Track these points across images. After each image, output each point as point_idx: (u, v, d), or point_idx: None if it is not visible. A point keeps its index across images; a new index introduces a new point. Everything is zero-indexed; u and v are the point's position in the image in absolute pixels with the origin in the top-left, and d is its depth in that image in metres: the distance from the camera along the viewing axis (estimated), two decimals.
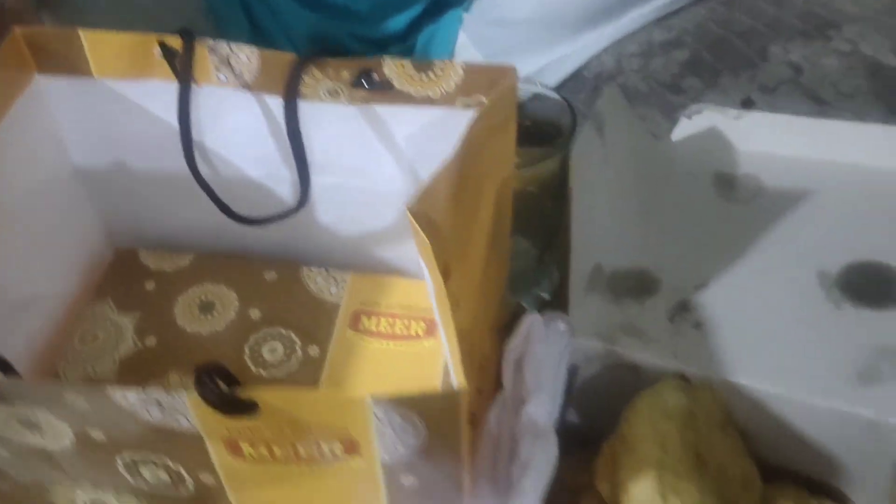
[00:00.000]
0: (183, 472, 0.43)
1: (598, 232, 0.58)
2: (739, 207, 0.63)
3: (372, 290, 0.61)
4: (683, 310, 0.55)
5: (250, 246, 0.63)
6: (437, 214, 0.41)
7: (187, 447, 0.41)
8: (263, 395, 0.38)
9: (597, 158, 0.59)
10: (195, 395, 0.37)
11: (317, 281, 0.62)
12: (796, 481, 0.52)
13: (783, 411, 0.50)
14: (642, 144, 0.66)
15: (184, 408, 0.38)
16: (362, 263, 0.63)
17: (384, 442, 0.40)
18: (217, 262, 0.63)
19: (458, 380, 0.39)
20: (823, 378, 0.50)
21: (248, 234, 0.61)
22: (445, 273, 0.42)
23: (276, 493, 0.43)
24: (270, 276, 0.62)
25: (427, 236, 0.37)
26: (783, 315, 0.54)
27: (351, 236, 0.62)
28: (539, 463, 0.47)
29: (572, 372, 0.54)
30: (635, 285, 0.57)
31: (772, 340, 0.52)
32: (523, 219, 0.68)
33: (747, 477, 0.49)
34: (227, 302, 0.61)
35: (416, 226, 0.37)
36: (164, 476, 0.43)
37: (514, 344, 0.52)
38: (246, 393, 0.38)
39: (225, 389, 0.37)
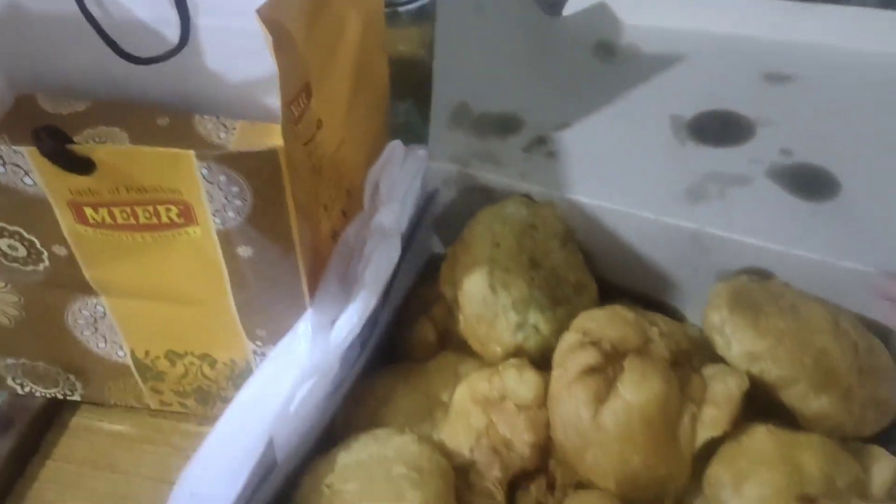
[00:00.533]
0: (37, 242, 0.46)
1: (466, 73, 0.61)
2: (614, 68, 0.66)
3: (260, 135, 0.64)
4: (540, 143, 0.58)
5: (147, 94, 0.66)
6: (290, 23, 0.44)
7: (36, 213, 0.44)
8: (98, 152, 0.41)
9: (468, 4, 0.62)
10: (34, 150, 0.41)
11: (206, 126, 0.65)
12: (634, 300, 0.56)
13: (619, 226, 0.54)
14: (527, 9, 0.69)
15: (25, 163, 0.41)
16: (253, 113, 0.66)
17: (215, 206, 0.43)
18: (112, 108, 0.66)
19: (279, 141, 0.42)
20: (656, 196, 0.53)
21: (145, 83, 0.64)
22: (307, 90, 0.46)
23: (125, 268, 0.47)
24: (163, 121, 0.65)
25: (273, 35, 0.40)
26: (630, 148, 0.57)
27: (240, 83, 0.65)
28: (381, 258, 0.50)
29: (432, 196, 0.58)
30: (500, 125, 0.60)
31: (615, 167, 0.56)
32: (413, 81, 0.71)
33: (582, 283, 0.53)
34: (120, 142, 0.64)
35: (265, 28, 0.40)
36: (20, 249, 0.46)
37: (376, 167, 0.56)
38: (81, 149, 0.41)
39: (60, 145, 0.41)
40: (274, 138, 0.63)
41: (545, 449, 0.47)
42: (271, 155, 0.41)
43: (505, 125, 0.60)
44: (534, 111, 0.62)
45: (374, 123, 0.61)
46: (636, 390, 0.43)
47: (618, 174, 0.55)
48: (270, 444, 0.44)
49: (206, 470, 0.42)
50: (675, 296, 0.55)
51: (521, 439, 0.46)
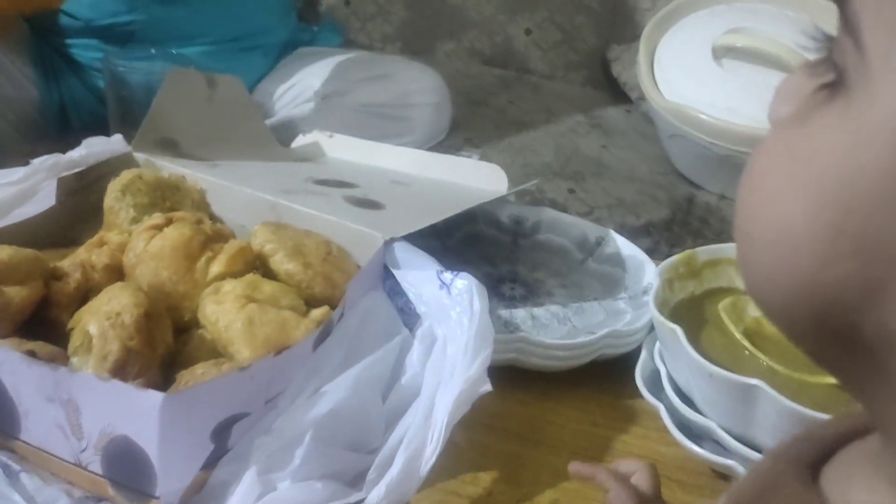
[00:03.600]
0: None
1: (188, 125, 0.93)
2: (309, 166, 0.99)
3: None
4: (213, 166, 0.89)
5: None
6: None
7: None
8: None
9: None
10: None
11: None
12: None
13: (231, 199, 0.83)
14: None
15: None
16: None
17: None
18: None
19: None
20: (263, 186, 0.83)
21: None
22: None
23: None
24: None
25: None
26: (269, 177, 0.88)
27: None
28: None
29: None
30: (194, 158, 0.91)
31: (248, 175, 0.86)
32: None
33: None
34: None
35: None
36: None
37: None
38: None
39: None
40: None
41: (118, 278, 0.72)
42: None
43: (196, 159, 0.91)
44: (223, 160, 0.93)
45: None
46: (172, 230, 0.70)
47: (248, 176, 0.86)
48: None
49: None
50: None
51: (101, 260, 0.71)
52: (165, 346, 0.65)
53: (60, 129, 1.34)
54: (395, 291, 0.73)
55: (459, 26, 1.87)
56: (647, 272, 0.85)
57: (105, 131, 1.05)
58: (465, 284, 0.68)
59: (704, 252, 0.78)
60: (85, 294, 0.70)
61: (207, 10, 1.35)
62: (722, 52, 1.34)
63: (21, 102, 1.31)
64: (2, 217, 0.74)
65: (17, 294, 0.66)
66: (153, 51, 1.06)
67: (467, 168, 0.99)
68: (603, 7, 1.76)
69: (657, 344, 0.74)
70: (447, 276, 0.69)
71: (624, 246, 0.89)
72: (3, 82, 1.29)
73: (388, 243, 0.75)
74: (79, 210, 0.81)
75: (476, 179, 0.97)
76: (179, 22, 1.32)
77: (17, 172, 0.76)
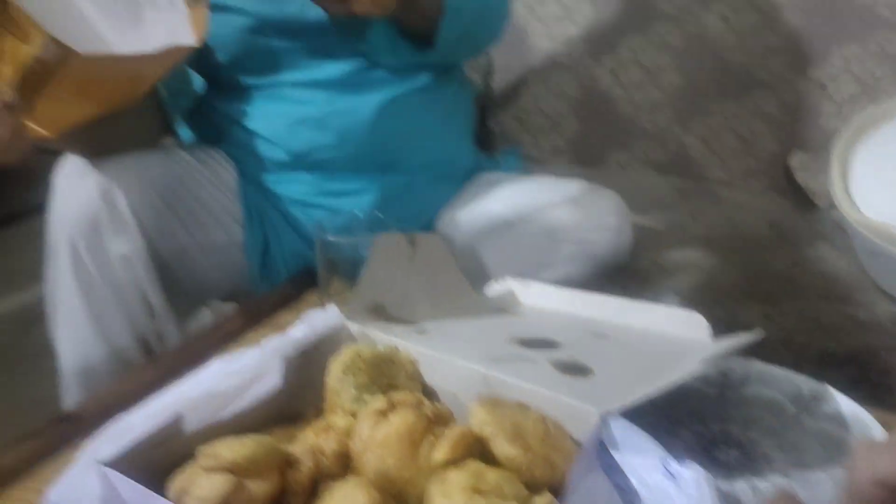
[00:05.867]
0: None
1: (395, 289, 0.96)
2: (507, 319, 1.01)
3: None
4: (420, 332, 0.92)
5: None
6: None
7: None
8: None
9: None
10: None
11: None
12: None
13: (444, 370, 0.85)
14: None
15: None
16: None
17: None
18: None
19: None
20: (472, 354, 0.85)
21: None
22: None
23: None
24: None
25: None
26: (474, 339, 0.90)
27: None
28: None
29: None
30: (400, 321, 0.95)
31: (458, 343, 0.88)
32: None
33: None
34: None
35: None
36: None
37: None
38: None
39: None
40: None
41: (347, 464, 0.75)
42: None
43: (401, 321, 0.95)
44: (428, 323, 0.96)
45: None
46: (397, 418, 0.73)
47: (456, 342, 0.88)
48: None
49: None
50: None
51: (330, 447, 0.74)
52: None
53: (263, 268, 1.41)
54: (611, 468, 0.73)
55: (631, 136, 1.87)
56: (876, 436, 0.80)
57: (309, 275, 1.12)
58: (692, 476, 0.66)
59: None
60: (315, 481, 0.73)
61: (406, 140, 1.40)
62: None
63: (229, 247, 1.39)
64: (234, 401, 0.79)
65: (260, 488, 0.69)
66: (360, 214, 1.11)
67: (665, 315, 0.97)
68: (782, 112, 1.72)
69: None
70: (673, 465, 0.68)
71: (844, 403, 0.85)
72: (216, 228, 1.37)
73: (605, 418, 0.75)
74: (300, 383, 0.86)
75: (675, 327, 0.96)
76: (380, 153, 1.38)
77: (247, 357, 0.81)
